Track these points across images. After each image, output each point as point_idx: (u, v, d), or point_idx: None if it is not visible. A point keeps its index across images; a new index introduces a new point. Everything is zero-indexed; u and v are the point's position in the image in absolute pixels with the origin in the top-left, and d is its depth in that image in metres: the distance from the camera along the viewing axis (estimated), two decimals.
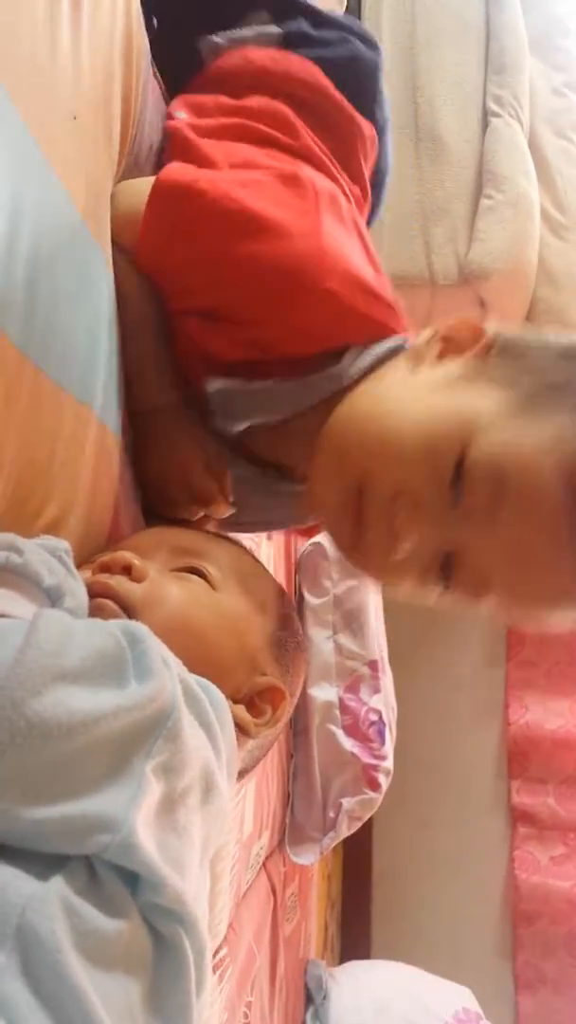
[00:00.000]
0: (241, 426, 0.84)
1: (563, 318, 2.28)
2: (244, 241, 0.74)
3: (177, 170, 0.78)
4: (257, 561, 0.80)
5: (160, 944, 0.51)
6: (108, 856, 0.49)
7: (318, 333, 0.78)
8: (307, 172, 0.83)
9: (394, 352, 0.80)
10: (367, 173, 1.01)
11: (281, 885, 1.70)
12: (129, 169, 0.80)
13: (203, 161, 0.81)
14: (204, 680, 0.62)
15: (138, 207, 0.76)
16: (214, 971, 1.17)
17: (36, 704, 0.47)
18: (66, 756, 0.48)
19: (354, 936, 2.72)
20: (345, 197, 0.89)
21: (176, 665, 0.58)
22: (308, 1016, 1.92)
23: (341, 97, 0.97)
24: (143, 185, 0.77)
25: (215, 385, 0.82)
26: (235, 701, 0.69)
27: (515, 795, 2.77)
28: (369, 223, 1.06)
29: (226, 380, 0.82)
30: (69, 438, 0.66)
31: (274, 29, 0.99)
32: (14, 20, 0.60)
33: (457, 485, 0.68)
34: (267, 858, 1.62)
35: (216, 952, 1.22)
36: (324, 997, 1.97)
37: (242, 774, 0.75)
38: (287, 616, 0.77)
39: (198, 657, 0.65)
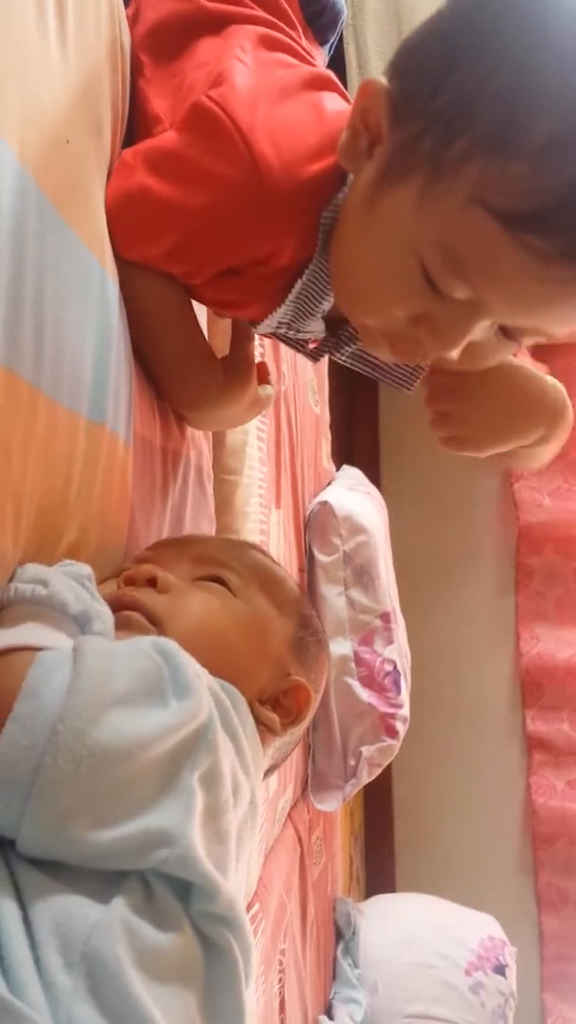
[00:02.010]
0: (313, 323, 0.88)
1: None
2: (195, 216, 0.75)
3: (117, 178, 0.77)
4: (276, 564, 0.82)
5: (210, 950, 0.54)
6: (167, 869, 0.52)
7: (314, 216, 0.77)
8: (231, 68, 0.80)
9: None
10: None
11: (307, 832, 1.75)
12: None
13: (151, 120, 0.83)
14: (224, 682, 0.64)
15: None
16: None
17: (95, 732, 0.50)
18: (125, 778, 0.51)
19: (378, 868, 2.81)
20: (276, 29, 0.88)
21: (205, 674, 0.61)
22: (339, 952, 2.00)
23: None
24: None
25: (267, 327, 0.87)
26: (261, 702, 0.71)
27: (530, 723, 2.83)
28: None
29: (274, 315, 0.86)
30: (84, 460, 0.67)
31: None
32: (11, 48, 0.60)
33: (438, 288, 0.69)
34: (292, 808, 1.67)
35: (248, 908, 1.27)
36: (353, 933, 2.04)
37: (271, 770, 0.78)
38: (307, 616, 0.80)
39: (223, 662, 0.68)
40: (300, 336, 0.94)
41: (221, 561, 0.76)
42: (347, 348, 0.93)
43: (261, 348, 1.34)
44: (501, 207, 0.62)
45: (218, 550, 0.79)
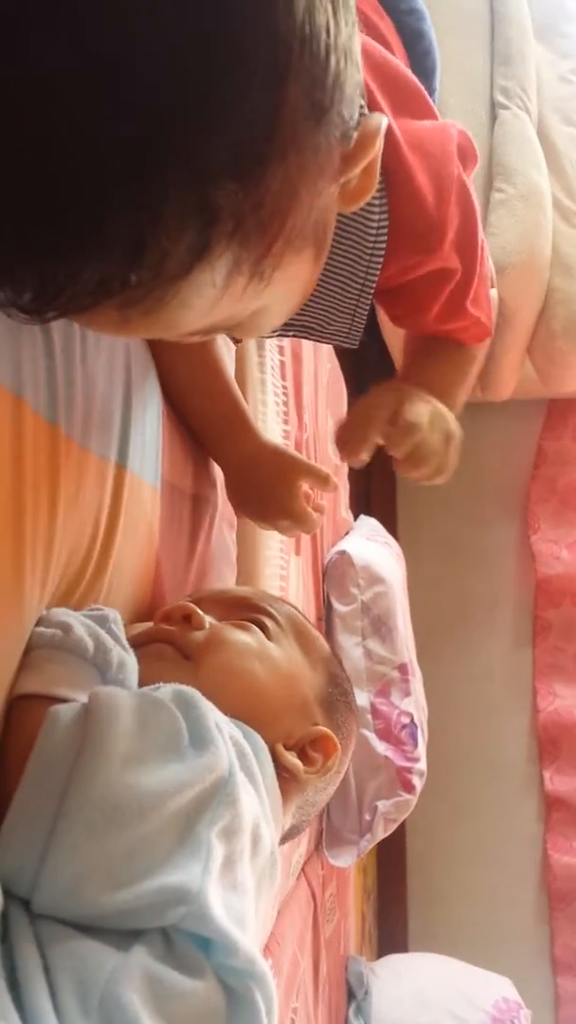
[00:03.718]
0: None
1: None
2: None
3: None
4: (309, 622, 0.82)
5: (233, 998, 0.53)
6: (184, 926, 0.51)
7: None
8: None
9: None
10: None
11: (320, 888, 1.72)
12: None
13: None
14: (247, 728, 0.64)
15: None
16: None
17: (108, 794, 0.49)
18: (140, 837, 0.50)
19: (391, 927, 2.76)
20: None
21: (226, 724, 0.60)
22: (351, 1012, 1.95)
23: None
24: None
25: None
26: (287, 748, 0.71)
27: (548, 783, 2.79)
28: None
29: None
30: (111, 504, 0.68)
31: None
32: None
33: None
34: (305, 863, 1.65)
35: None
36: (365, 992, 2.00)
37: (295, 831, 0.77)
38: (338, 676, 0.80)
39: (252, 702, 0.67)
40: None
41: (261, 608, 0.77)
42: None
43: (285, 397, 1.34)
44: None
45: (258, 599, 0.79)
